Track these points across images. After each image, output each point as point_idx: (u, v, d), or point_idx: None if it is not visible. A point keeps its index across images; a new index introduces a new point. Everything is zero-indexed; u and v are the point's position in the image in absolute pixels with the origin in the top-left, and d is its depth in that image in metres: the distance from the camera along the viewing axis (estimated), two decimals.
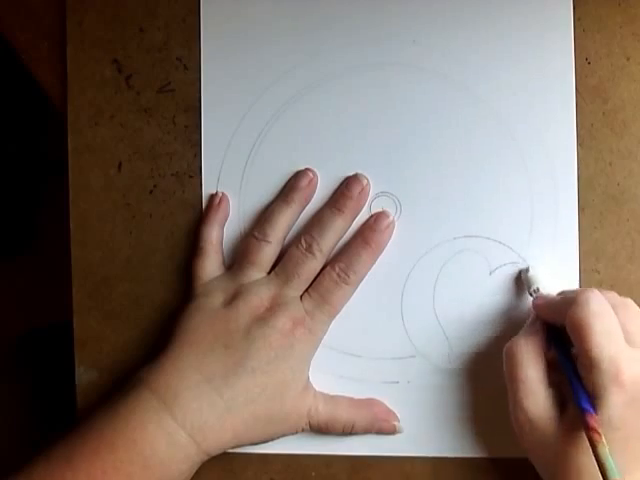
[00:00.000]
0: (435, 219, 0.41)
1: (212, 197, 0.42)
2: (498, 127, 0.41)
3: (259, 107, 0.42)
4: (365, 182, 0.41)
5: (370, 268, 0.41)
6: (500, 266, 0.41)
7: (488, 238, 0.41)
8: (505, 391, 0.38)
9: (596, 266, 0.41)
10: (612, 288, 0.41)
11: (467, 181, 0.41)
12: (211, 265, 0.41)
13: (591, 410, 0.33)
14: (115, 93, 0.43)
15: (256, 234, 0.40)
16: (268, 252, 0.40)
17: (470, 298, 0.41)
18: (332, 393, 0.41)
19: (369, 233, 0.40)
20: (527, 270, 0.40)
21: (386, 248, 0.41)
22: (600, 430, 0.32)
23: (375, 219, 0.41)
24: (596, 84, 0.41)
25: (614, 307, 0.35)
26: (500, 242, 0.41)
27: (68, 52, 0.43)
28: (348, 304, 0.41)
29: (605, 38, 0.41)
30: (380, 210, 0.41)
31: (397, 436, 0.41)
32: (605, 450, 0.31)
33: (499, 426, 0.40)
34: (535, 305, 0.39)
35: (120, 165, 0.43)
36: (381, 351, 0.41)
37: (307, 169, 0.41)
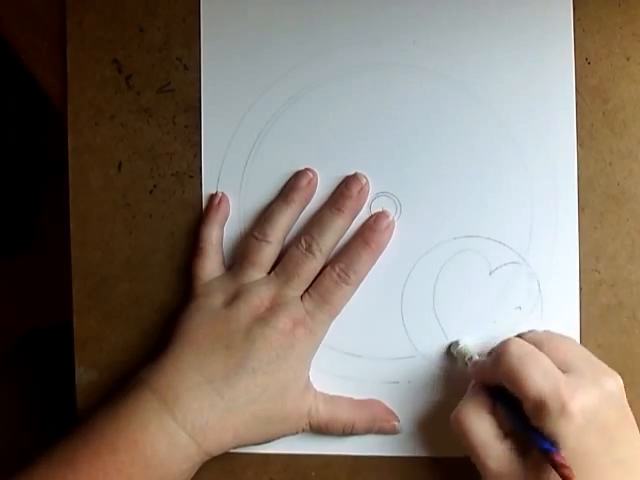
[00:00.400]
0: (435, 219, 0.41)
1: (212, 197, 0.42)
2: (498, 127, 0.41)
3: (259, 107, 0.42)
4: (364, 181, 0.41)
5: (370, 268, 0.41)
6: (500, 266, 0.41)
7: (488, 238, 0.41)
8: None
9: (596, 266, 0.41)
10: (612, 288, 0.41)
11: (467, 181, 0.41)
12: (211, 265, 0.41)
13: (554, 449, 0.32)
14: (115, 93, 0.43)
15: (256, 234, 0.40)
16: (268, 252, 0.40)
17: (470, 298, 0.41)
18: (332, 393, 0.41)
19: (369, 233, 0.40)
20: (457, 344, 0.40)
21: (386, 248, 0.41)
22: (569, 464, 0.31)
23: (375, 219, 0.41)
24: (596, 84, 0.41)
25: (537, 343, 0.35)
26: (500, 242, 0.41)
27: (68, 52, 0.43)
28: (348, 304, 0.41)
29: (605, 38, 0.41)
30: (380, 210, 0.41)
31: (397, 436, 0.41)
32: None
33: None
34: (473, 373, 0.38)
35: (120, 165, 0.43)
36: (381, 351, 0.41)
37: (307, 169, 0.41)
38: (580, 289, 0.41)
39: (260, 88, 0.42)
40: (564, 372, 0.34)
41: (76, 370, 0.43)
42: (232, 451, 0.39)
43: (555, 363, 0.34)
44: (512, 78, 0.41)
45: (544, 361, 0.34)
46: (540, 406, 0.33)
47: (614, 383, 0.34)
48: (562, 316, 0.41)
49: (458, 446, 0.41)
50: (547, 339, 0.36)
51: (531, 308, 0.41)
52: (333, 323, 0.41)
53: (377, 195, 0.41)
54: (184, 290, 0.42)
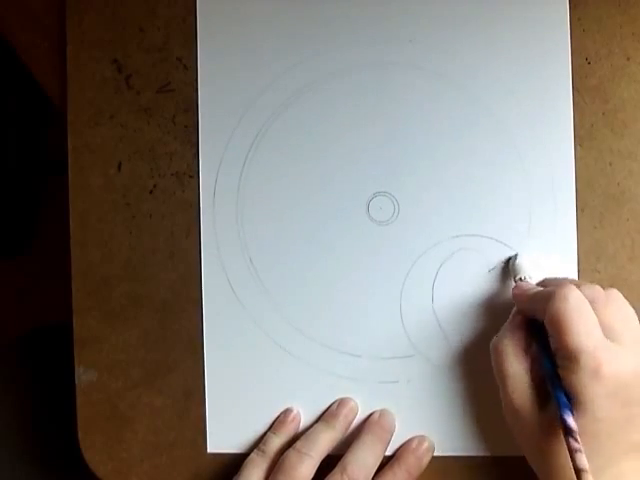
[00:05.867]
0: (433, 218, 0.41)
1: (287, 412, 0.42)
2: (496, 126, 0.41)
3: (257, 107, 0.42)
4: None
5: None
6: (499, 265, 0.41)
7: (487, 237, 0.41)
8: None
9: (596, 266, 0.41)
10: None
11: (465, 180, 0.41)
12: (260, 468, 0.41)
13: (568, 410, 0.32)
14: (115, 93, 0.43)
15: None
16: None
17: (469, 297, 0.41)
18: (332, 393, 0.41)
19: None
20: (515, 257, 0.40)
21: (385, 247, 0.41)
22: (577, 431, 0.32)
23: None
24: (596, 84, 0.41)
25: (593, 301, 0.35)
26: (499, 241, 0.41)
27: (68, 52, 0.43)
28: (348, 304, 0.41)
29: (605, 38, 0.41)
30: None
31: (396, 436, 0.41)
32: (582, 457, 0.31)
33: (499, 425, 0.40)
34: (514, 295, 0.39)
35: (120, 165, 0.43)
36: (380, 351, 0.41)
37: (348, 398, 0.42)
38: None
39: (259, 88, 0.42)
40: (609, 338, 0.34)
41: (76, 370, 0.43)
42: (232, 451, 0.39)
43: (604, 325, 0.34)
44: (510, 77, 0.41)
45: (592, 320, 0.34)
46: (574, 360, 0.33)
47: None
48: None
49: (456, 445, 0.41)
50: (607, 301, 0.36)
51: None
52: (333, 323, 0.41)
53: (375, 195, 0.42)
54: (184, 290, 0.42)
